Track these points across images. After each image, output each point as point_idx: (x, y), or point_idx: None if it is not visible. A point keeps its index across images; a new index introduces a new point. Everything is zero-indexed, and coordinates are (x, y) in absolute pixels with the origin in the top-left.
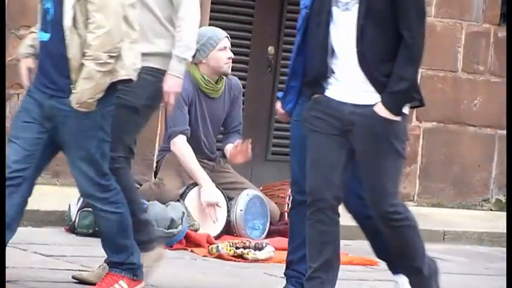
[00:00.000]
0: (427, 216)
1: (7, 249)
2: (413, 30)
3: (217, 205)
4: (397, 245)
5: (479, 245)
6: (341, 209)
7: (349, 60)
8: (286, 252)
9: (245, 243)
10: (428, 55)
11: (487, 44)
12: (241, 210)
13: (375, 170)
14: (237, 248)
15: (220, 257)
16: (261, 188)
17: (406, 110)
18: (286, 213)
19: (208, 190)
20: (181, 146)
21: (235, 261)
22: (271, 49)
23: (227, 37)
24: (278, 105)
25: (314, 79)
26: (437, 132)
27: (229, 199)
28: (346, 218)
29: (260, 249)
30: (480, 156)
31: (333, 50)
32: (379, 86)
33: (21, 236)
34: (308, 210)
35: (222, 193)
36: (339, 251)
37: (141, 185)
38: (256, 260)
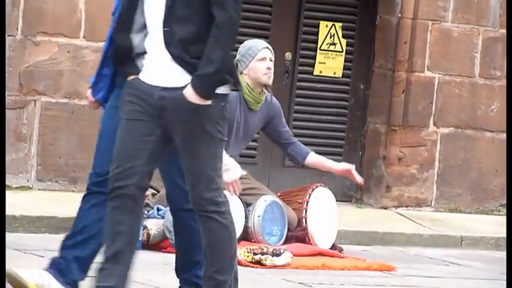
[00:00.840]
0: (444, 222)
1: (24, 255)
2: (227, 9)
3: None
4: (206, 242)
5: (497, 250)
6: (362, 216)
7: (158, 39)
8: (304, 258)
9: (263, 249)
10: (446, 60)
11: (503, 49)
12: (259, 216)
13: (189, 154)
14: (254, 254)
15: (237, 263)
16: (278, 194)
17: (222, 90)
18: (304, 219)
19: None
20: None
21: (253, 267)
22: (288, 55)
23: (268, 48)
24: (89, 92)
25: (121, 56)
26: (454, 137)
27: (247, 205)
28: (362, 224)
29: (278, 255)
30: (497, 161)
31: (146, 29)
32: (188, 67)
33: (39, 242)
34: (108, 196)
35: (240, 199)
36: (133, 243)
37: (158, 191)
38: (274, 266)
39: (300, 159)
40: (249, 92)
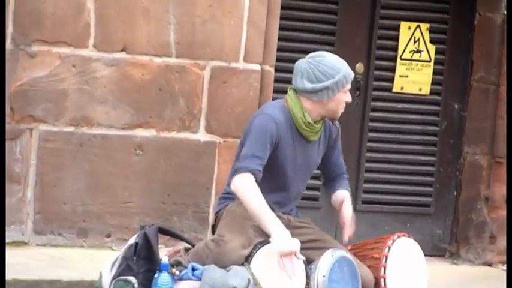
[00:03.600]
0: None
1: None
2: None
3: (296, 256)
4: None
5: None
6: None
7: None
8: None
9: None
10: None
11: None
12: (324, 276)
13: None
14: None
15: None
16: (349, 247)
17: None
18: (382, 280)
19: (282, 238)
20: (246, 184)
21: None
22: (359, 67)
23: None
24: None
25: None
26: None
27: (308, 262)
28: (460, 286)
29: None
30: None
31: None
32: None
33: None
34: None
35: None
36: None
37: (193, 245)
38: None
39: (330, 191)
40: (306, 126)
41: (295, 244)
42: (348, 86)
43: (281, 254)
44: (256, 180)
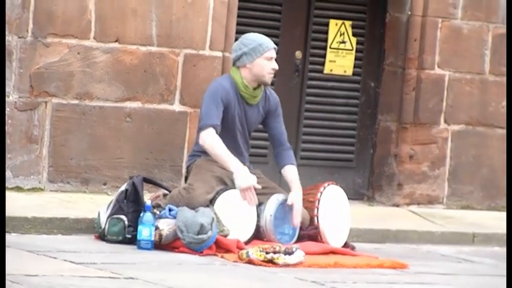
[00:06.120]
0: (456, 219)
1: (37, 257)
2: None
3: (254, 187)
4: None
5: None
6: (373, 214)
7: None
8: (317, 256)
9: (275, 248)
10: (456, 57)
11: None
12: (270, 215)
13: None
14: (267, 253)
15: (250, 262)
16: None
17: None
18: (316, 218)
19: (242, 175)
20: (210, 137)
21: (265, 266)
22: (298, 53)
23: (275, 48)
24: None
25: None
26: (465, 134)
27: (259, 204)
28: (375, 222)
29: (290, 254)
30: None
31: None
32: None
33: (51, 243)
34: None
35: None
36: None
37: (170, 191)
38: (286, 265)
39: (279, 166)
40: (244, 88)
41: (252, 179)
42: (268, 54)
43: (242, 187)
44: (216, 132)
